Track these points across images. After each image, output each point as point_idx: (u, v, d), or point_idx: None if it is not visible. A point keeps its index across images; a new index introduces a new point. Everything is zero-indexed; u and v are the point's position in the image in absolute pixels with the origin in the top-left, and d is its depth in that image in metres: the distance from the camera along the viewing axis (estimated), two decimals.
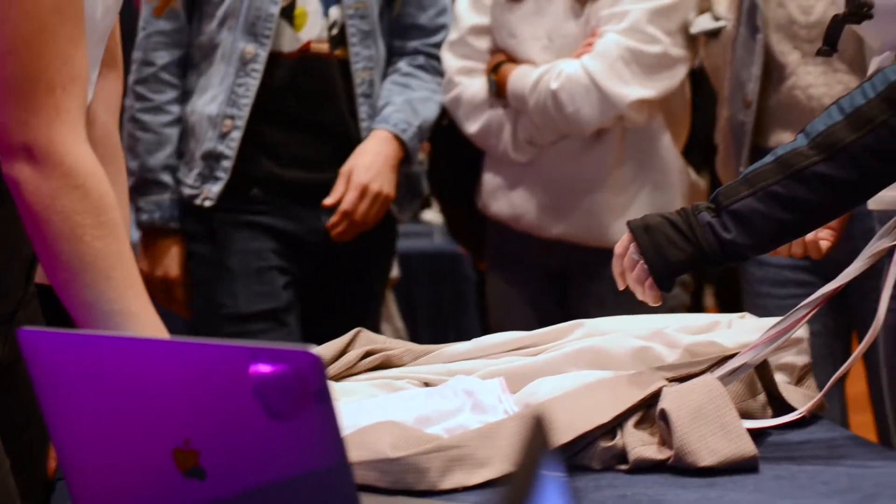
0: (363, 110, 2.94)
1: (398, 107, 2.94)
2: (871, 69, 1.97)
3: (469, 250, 3.57)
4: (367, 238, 2.94)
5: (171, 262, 2.91)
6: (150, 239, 2.92)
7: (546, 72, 2.88)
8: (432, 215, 4.79)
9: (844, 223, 2.27)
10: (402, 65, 3.02)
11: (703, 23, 2.88)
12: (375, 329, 2.89)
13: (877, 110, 1.76)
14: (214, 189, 2.89)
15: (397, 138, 2.92)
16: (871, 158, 1.77)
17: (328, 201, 2.89)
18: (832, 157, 1.77)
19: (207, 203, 2.89)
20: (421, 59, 3.03)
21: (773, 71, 2.78)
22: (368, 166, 2.89)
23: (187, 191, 2.91)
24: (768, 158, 1.81)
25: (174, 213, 2.90)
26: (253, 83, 2.85)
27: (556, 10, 2.92)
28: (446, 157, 3.31)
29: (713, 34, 2.88)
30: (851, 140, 1.76)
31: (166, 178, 2.90)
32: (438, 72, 3.04)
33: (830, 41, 2.02)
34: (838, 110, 1.78)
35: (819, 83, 2.73)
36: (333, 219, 2.89)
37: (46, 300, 1.67)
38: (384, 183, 2.89)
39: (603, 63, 2.84)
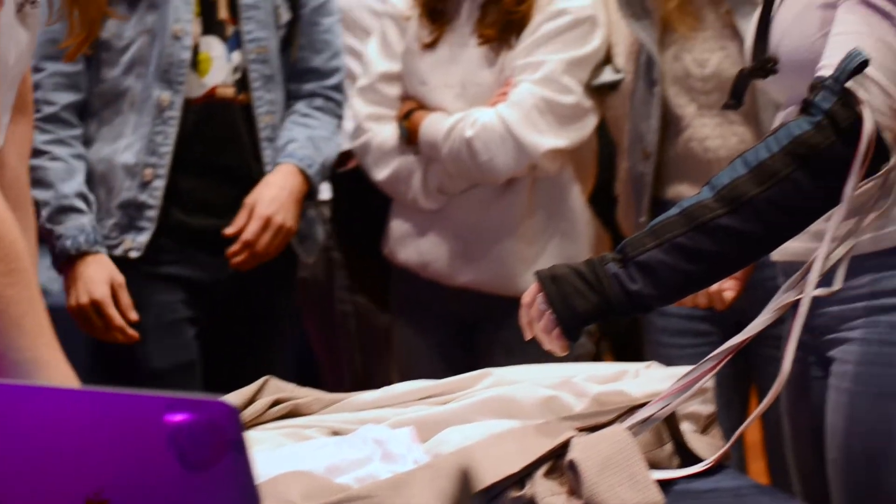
0: (267, 154, 2.93)
1: (302, 143, 2.95)
2: (776, 123, 2.02)
3: (370, 299, 3.55)
4: (270, 277, 2.94)
5: (97, 284, 2.80)
6: (72, 266, 2.81)
7: (460, 119, 2.90)
8: None
9: (748, 274, 2.31)
10: (301, 106, 3.01)
11: (604, 75, 2.92)
12: (282, 369, 2.88)
13: (780, 164, 1.80)
14: (140, 239, 2.84)
15: (302, 172, 2.92)
16: (775, 211, 1.80)
17: (230, 230, 2.88)
18: (737, 209, 1.80)
19: (134, 254, 2.84)
20: (319, 101, 3.03)
21: (670, 123, 2.83)
22: (273, 199, 2.89)
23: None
24: (674, 210, 1.84)
25: (98, 237, 2.82)
26: (171, 131, 2.83)
27: (469, 59, 2.94)
28: (349, 203, 3.31)
29: (613, 86, 2.92)
30: (755, 193, 1.80)
31: (82, 204, 2.82)
32: (336, 113, 3.04)
33: (736, 95, 2.07)
34: (743, 164, 1.82)
35: (715, 135, 2.79)
36: (234, 247, 2.87)
37: None
38: (287, 216, 2.89)
39: (518, 112, 2.86)
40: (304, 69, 3.02)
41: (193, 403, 1.15)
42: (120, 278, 2.81)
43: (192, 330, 2.90)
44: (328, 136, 3.01)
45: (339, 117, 3.05)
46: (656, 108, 2.81)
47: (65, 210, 2.81)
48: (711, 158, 2.75)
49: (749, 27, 2.10)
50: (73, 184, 2.82)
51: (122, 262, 2.84)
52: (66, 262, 2.81)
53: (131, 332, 2.81)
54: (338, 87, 3.05)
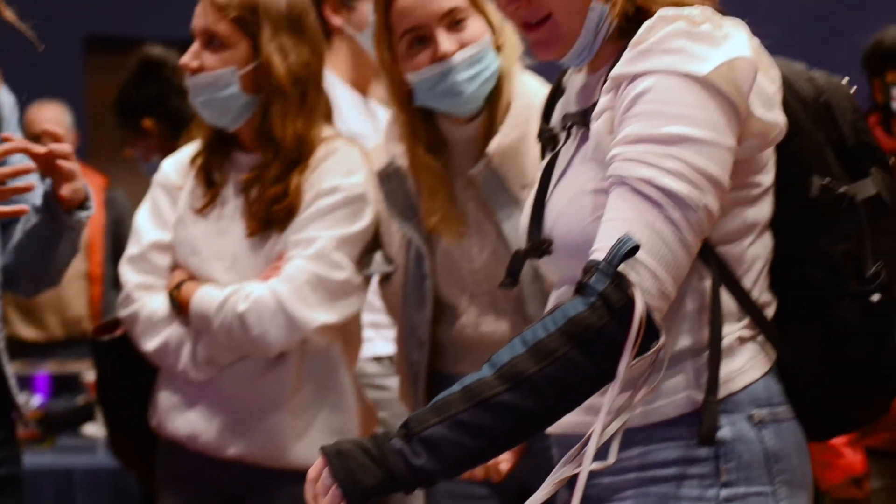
0: None
1: None
2: (551, 303, 2.10)
3: (133, 469, 3.49)
4: None
5: None
6: None
7: (233, 293, 2.91)
8: (95, 429, 4.70)
9: (525, 445, 2.37)
10: None
11: (377, 265, 2.97)
12: None
13: (557, 343, 1.87)
14: None
15: None
16: (553, 388, 1.87)
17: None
18: (516, 387, 1.87)
19: None
20: None
21: (444, 312, 2.91)
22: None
23: None
24: (456, 387, 1.90)
25: None
26: None
27: (241, 232, 2.97)
28: (114, 373, 3.26)
29: (385, 277, 2.98)
30: (534, 371, 1.87)
31: None
32: None
33: (512, 274, 2.16)
34: (521, 342, 1.89)
35: (488, 320, 2.87)
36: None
37: None
38: None
39: (290, 287, 2.89)
40: None
41: None
42: None
43: None
44: None
45: None
46: (429, 300, 2.88)
47: None
48: (487, 342, 2.84)
49: (512, 228, 2.18)
50: None
51: None
52: None
53: None
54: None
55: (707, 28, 1.96)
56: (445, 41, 2.79)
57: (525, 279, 2.76)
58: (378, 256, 2.99)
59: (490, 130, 2.85)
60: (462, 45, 2.80)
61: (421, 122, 2.88)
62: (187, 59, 2.97)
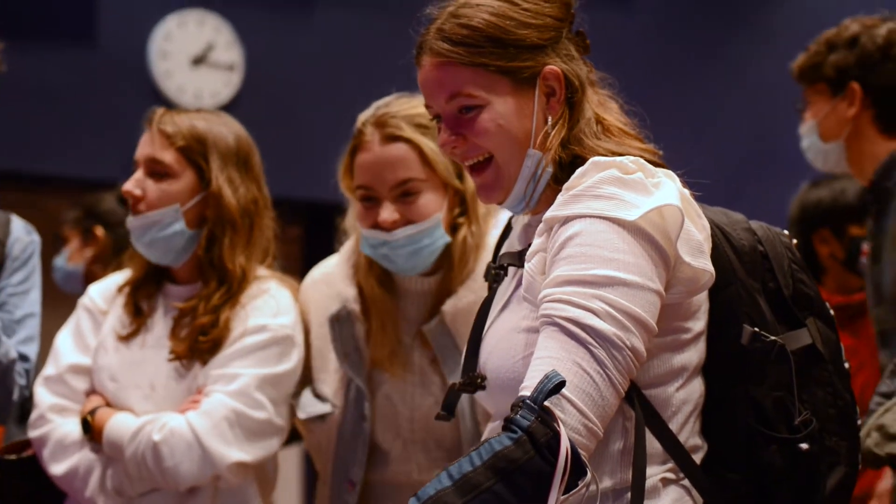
0: None
1: None
2: (484, 437, 2.13)
3: None
4: None
5: None
6: None
7: (149, 422, 2.86)
8: None
9: None
10: None
11: (310, 406, 2.94)
12: None
13: (482, 477, 1.90)
14: None
15: None
16: None
17: None
18: None
19: None
20: None
21: (376, 454, 2.90)
22: None
23: None
24: None
25: None
26: None
27: (162, 361, 2.94)
28: (18, 494, 3.20)
29: (321, 417, 2.95)
30: None
31: None
32: None
33: (448, 408, 2.19)
34: (447, 476, 1.92)
35: (420, 468, 2.87)
36: None
37: None
38: None
39: (208, 422, 2.85)
40: None
41: None
42: None
43: None
44: None
45: None
46: (363, 443, 2.86)
47: None
48: (416, 485, 2.83)
49: (455, 375, 2.20)
50: None
51: None
52: None
53: None
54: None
55: (639, 176, 2.03)
56: (387, 212, 2.80)
57: (464, 425, 2.77)
58: (308, 397, 2.95)
59: (445, 289, 2.85)
60: (407, 220, 2.80)
61: (377, 263, 2.88)
62: (130, 186, 2.96)
